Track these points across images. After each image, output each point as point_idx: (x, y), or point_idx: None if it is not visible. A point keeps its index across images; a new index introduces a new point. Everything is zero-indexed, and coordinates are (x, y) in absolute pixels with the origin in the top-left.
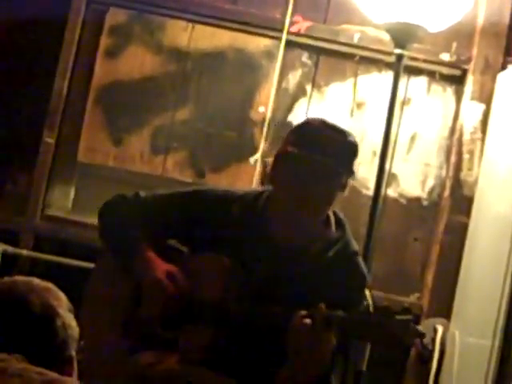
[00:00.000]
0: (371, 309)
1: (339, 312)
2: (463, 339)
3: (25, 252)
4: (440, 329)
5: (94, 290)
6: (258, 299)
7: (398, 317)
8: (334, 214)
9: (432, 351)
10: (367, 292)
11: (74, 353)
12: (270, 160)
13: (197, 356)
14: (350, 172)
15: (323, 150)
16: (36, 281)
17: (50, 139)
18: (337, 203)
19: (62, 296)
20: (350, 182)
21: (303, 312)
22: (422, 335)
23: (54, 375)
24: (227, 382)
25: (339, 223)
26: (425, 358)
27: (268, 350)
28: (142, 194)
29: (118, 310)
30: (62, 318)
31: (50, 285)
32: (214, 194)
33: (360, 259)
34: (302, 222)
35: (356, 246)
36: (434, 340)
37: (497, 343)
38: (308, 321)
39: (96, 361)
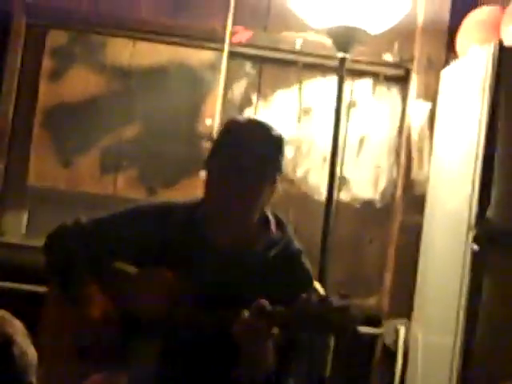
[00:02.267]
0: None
1: (279, 307)
2: (426, 338)
3: None
4: (402, 329)
5: (47, 315)
6: (204, 306)
7: (336, 303)
8: (274, 216)
9: (395, 352)
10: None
11: (33, 379)
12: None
13: (147, 372)
14: (277, 167)
15: (246, 142)
16: None
17: None
18: (290, 210)
19: (18, 323)
20: (278, 177)
21: (245, 311)
22: (356, 320)
23: None
24: None
25: (279, 224)
26: (389, 359)
27: (220, 354)
28: (83, 219)
29: (71, 335)
30: (18, 346)
31: (3, 313)
32: (152, 207)
33: (303, 258)
34: (236, 224)
35: (298, 245)
36: (396, 341)
37: (459, 340)
38: (250, 320)
39: None
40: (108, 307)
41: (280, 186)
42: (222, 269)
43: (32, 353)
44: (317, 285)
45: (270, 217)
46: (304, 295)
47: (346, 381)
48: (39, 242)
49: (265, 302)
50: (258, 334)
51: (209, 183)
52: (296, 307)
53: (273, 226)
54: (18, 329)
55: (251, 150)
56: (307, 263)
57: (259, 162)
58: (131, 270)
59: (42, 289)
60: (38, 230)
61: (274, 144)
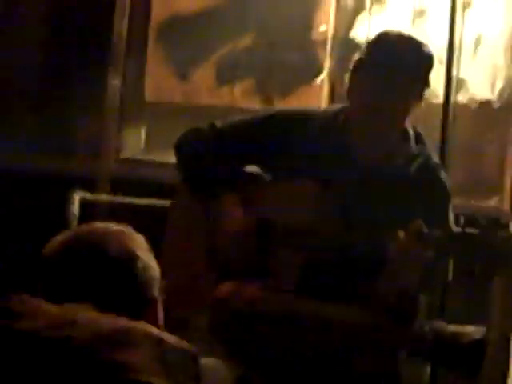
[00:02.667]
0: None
1: (437, 231)
2: None
3: (103, 197)
4: None
5: (173, 226)
6: (347, 221)
7: (500, 232)
8: (413, 129)
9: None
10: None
11: (156, 293)
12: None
13: (291, 281)
14: (426, 83)
15: (399, 59)
16: (112, 225)
17: (115, 81)
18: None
19: (140, 237)
20: (425, 93)
21: (401, 232)
22: None
23: (125, 322)
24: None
25: (418, 138)
26: None
27: (362, 271)
28: (218, 124)
29: (200, 244)
30: (141, 260)
31: (126, 228)
32: (290, 113)
33: (443, 173)
34: (380, 136)
35: (437, 159)
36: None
37: None
38: (408, 243)
39: (181, 295)
40: (243, 215)
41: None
42: (364, 183)
43: (154, 267)
44: None
45: (409, 129)
46: (461, 224)
47: (467, 284)
48: (158, 156)
49: (422, 225)
50: (413, 257)
51: (357, 95)
52: (454, 233)
53: (412, 140)
54: (139, 243)
55: (403, 69)
56: (446, 178)
57: (410, 80)
58: (266, 176)
59: (161, 203)
60: (157, 144)
61: (425, 61)
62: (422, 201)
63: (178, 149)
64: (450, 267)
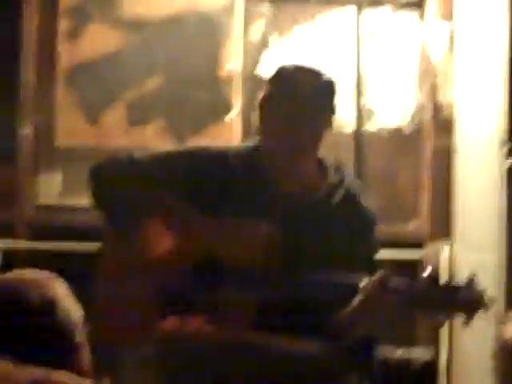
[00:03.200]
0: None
1: (404, 282)
2: (468, 258)
3: (22, 244)
4: (444, 251)
5: (104, 267)
6: (287, 260)
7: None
8: (331, 159)
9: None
10: None
11: (80, 339)
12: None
13: (243, 322)
14: (333, 109)
15: (305, 88)
16: (30, 273)
17: (26, 130)
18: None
19: (60, 283)
20: (333, 120)
21: (366, 281)
22: (488, 304)
23: (42, 373)
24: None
25: (337, 168)
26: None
27: (315, 313)
28: (137, 154)
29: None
30: (62, 307)
31: (45, 274)
32: (211, 149)
33: (365, 199)
34: (300, 171)
35: (359, 188)
36: (439, 263)
37: (503, 256)
38: (374, 291)
39: (125, 331)
40: (176, 248)
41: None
42: (295, 219)
43: (77, 312)
44: None
45: (327, 161)
46: (426, 277)
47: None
48: (75, 200)
49: (388, 275)
50: (378, 306)
51: (267, 132)
52: (421, 287)
53: (331, 170)
54: (60, 289)
55: (312, 94)
56: (368, 203)
57: (318, 110)
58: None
59: (81, 247)
60: (73, 188)
61: (329, 86)
62: (348, 228)
63: (95, 180)
64: None
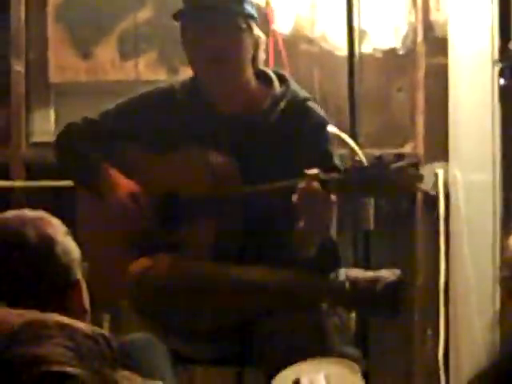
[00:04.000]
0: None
1: (333, 174)
2: (465, 177)
3: (17, 183)
4: (440, 172)
5: (83, 210)
6: (242, 180)
7: (394, 165)
8: (274, 72)
9: (436, 196)
10: (357, 149)
11: (79, 276)
12: None
13: (206, 251)
14: (246, 14)
15: (209, 2)
16: (27, 212)
17: (18, 67)
18: (314, 69)
19: (57, 222)
20: (255, 25)
21: (301, 184)
22: (420, 177)
23: (34, 315)
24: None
25: (281, 79)
26: (431, 204)
27: (272, 225)
28: (90, 115)
29: (114, 228)
30: (60, 244)
31: (42, 213)
32: (156, 90)
33: (312, 103)
34: (230, 81)
35: (305, 93)
36: (436, 184)
37: (498, 175)
38: (309, 190)
39: (101, 277)
40: (136, 190)
41: (262, 36)
42: (242, 136)
43: (74, 250)
44: (339, 132)
45: (271, 73)
46: (357, 159)
47: (391, 231)
48: None
49: (315, 170)
50: (317, 200)
51: (190, 59)
52: (351, 172)
53: (275, 81)
54: (58, 228)
55: (209, 10)
56: (316, 107)
57: (220, 16)
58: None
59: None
60: None
61: None
62: (297, 135)
63: (56, 148)
64: (370, 215)
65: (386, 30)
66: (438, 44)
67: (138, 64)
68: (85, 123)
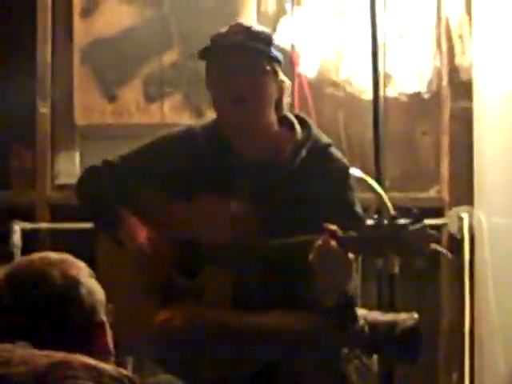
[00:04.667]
0: (391, 211)
1: (351, 233)
2: (490, 221)
3: (43, 225)
4: (465, 216)
5: (104, 254)
6: (259, 226)
7: (411, 227)
8: (296, 116)
9: (461, 240)
10: (382, 193)
11: (104, 317)
12: None
13: (225, 298)
14: (272, 57)
15: (235, 41)
16: (52, 254)
17: (44, 108)
18: (339, 113)
19: (81, 264)
20: (279, 70)
21: (318, 242)
22: (436, 239)
23: (60, 356)
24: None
25: (303, 123)
26: (456, 248)
27: (290, 277)
28: (111, 158)
29: (134, 274)
30: (85, 285)
31: (66, 256)
32: (177, 133)
33: (334, 149)
34: (252, 127)
35: (327, 139)
36: (461, 228)
37: None
38: (324, 249)
39: (124, 320)
40: (155, 240)
41: (287, 81)
42: (259, 180)
43: (99, 291)
44: (364, 177)
45: (292, 118)
46: (375, 218)
47: (414, 274)
48: None
49: (334, 227)
50: (332, 258)
51: (213, 99)
52: (367, 231)
53: (297, 126)
54: (82, 270)
55: (235, 50)
56: (338, 153)
57: (246, 57)
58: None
59: None
60: None
61: (258, 37)
62: (320, 182)
63: (77, 192)
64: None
65: (410, 73)
66: (462, 88)
67: (163, 106)
68: (105, 166)
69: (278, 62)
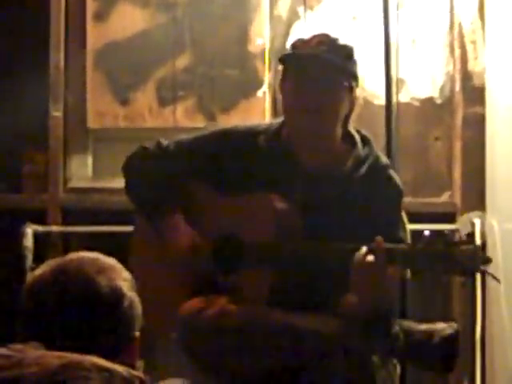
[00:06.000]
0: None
1: (401, 245)
2: (502, 227)
3: (55, 228)
4: (477, 222)
5: (135, 250)
6: (308, 233)
7: (463, 246)
8: (357, 132)
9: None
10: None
11: (137, 333)
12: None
13: (261, 296)
14: (349, 74)
15: (316, 56)
16: (102, 259)
17: (57, 112)
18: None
19: (127, 274)
20: (355, 87)
21: (364, 249)
22: (489, 261)
23: (72, 357)
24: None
25: (364, 140)
26: None
27: (327, 284)
28: (164, 142)
29: (163, 266)
30: (127, 299)
31: (114, 262)
32: (238, 130)
33: (392, 171)
34: (320, 139)
35: (386, 159)
36: (473, 234)
37: None
38: (370, 258)
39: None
40: (197, 235)
41: (359, 98)
42: (317, 192)
43: (138, 305)
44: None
45: (355, 133)
46: (426, 233)
47: (426, 282)
48: (106, 182)
49: (381, 240)
50: (379, 272)
51: (285, 104)
52: (419, 245)
53: (359, 143)
54: (127, 281)
55: (322, 64)
56: (396, 176)
57: (332, 75)
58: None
59: (113, 229)
60: (104, 171)
61: (341, 51)
62: (375, 200)
63: (126, 171)
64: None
65: (423, 79)
66: (475, 93)
67: (175, 111)
68: (158, 150)
69: (356, 78)
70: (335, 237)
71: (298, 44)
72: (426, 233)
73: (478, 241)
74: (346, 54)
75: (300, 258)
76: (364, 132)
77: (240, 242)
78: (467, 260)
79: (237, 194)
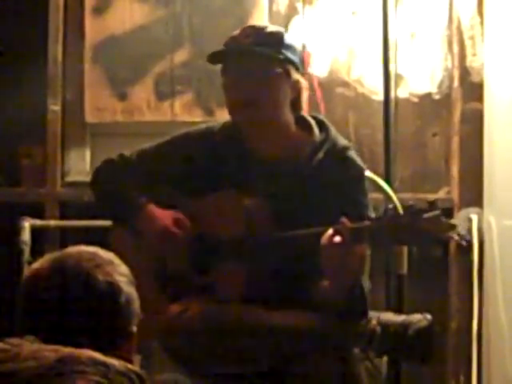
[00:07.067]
0: (400, 211)
1: (365, 222)
2: (499, 223)
3: (52, 222)
4: (474, 218)
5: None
6: (274, 223)
7: (426, 214)
8: (314, 118)
9: (471, 241)
10: (391, 194)
11: (134, 328)
12: None
13: (237, 293)
14: (284, 59)
15: (244, 45)
16: (100, 253)
17: (55, 106)
18: (349, 113)
19: (125, 269)
20: (292, 70)
21: (330, 230)
22: (453, 226)
23: (68, 351)
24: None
25: (321, 125)
26: (465, 250)
27: (302, 271)
28: (127, 153)
29: (149, 267)
30: (125, 294)
31: (113, 256)
32: (196, 132)
33: (352, 152)
34: (268, 127)
35: (345, 141)
36: (470, 230)
37: None
38: (337, 238)
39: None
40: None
41: (302, 80)
42: (278, 183)
43: (136, 301)
44: (374, 177)
45: (310, 119)
46: (390, 206)
47: (424, 276)
48: None
49: (346, 220)
50: (346, 251)
51: (226, 102)
52: (384, 220)
53: (315, 128)
54: (125, 276)
55: (242, 55)
56: (356, 157)
57: (254, 61)
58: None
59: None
60: None
61: (269, 39)
62: (335, 183)
63: (94, 185)
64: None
65: (422, 74)
66: (473, 89)
67: (173, 105)
68: (122, 161)
69: (291, 62)
70: (304, 224)
71: (228, 41)
72: (390, 206)
73: (475, 236)
74: (276, 41)
75: (272, 249)
76: (321, 117)
77: (212, 241)
78: (432, 228)
79: (203, 195)
